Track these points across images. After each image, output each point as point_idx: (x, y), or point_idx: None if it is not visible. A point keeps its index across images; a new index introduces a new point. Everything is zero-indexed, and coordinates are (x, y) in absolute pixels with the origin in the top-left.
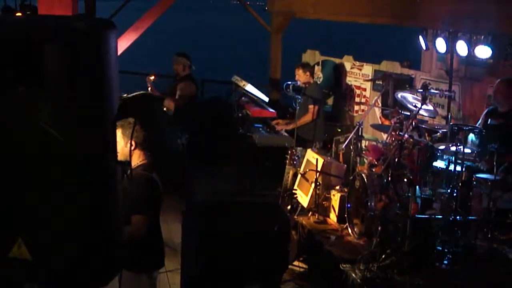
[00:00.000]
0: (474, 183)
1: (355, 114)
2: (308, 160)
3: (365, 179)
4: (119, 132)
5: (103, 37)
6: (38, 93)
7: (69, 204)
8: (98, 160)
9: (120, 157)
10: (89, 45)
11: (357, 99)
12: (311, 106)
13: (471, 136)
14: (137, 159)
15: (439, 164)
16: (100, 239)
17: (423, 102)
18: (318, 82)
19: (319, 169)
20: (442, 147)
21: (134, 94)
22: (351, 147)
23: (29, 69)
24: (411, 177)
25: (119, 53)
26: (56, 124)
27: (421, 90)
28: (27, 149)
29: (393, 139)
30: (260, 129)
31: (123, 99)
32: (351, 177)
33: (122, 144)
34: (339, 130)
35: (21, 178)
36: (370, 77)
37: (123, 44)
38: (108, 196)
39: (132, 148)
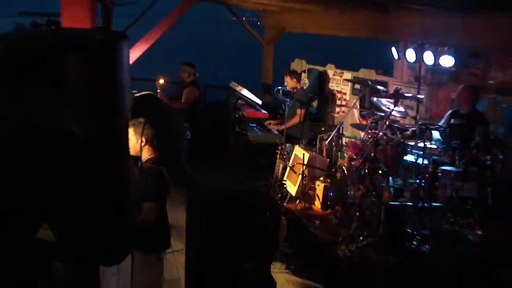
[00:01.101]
0: (439, 174)
1: (336, 115)
2: (296, 155)
3: (345, 171)
4: (131, 131)
5: (117, 47)
6: (61, 96)
7: (88, 191)
8: (113, 153)
9: (132, 152)
10: (105, 54)
11: (338, 102)
12: (298, 109)
13: (436, 134)
14: (146, 154)
15: (409, 158)
16: (116, 222)
17: (395, 105)
18: (305, 87)
19: (305, 162)
20: (411, 143)
21: (142, 93)
22: (333, 144)
23: (53, 75)
24: (385, 170)
25: (131, 61)
26: (76, 123)
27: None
28: (51, 144)
29: (369, 136)
30: (254, 128)
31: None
32: (333, 170)
33: (134, 141)
34: (323, 129)
35: (47, 169)
36: (349, 83)
37: (135, 53)
38: (122, 184)
39: (143, 144)
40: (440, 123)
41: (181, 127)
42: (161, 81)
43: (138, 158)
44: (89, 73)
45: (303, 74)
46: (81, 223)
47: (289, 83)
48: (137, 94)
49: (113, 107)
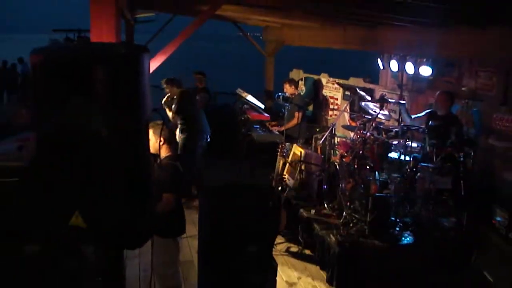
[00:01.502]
0: (419, 169)
1: (329, 118)
2: (294, 152)
3: (337, 167)
4: (151, 132)
5: (140, 59)
6: (89, 102)
7: (114, 185)
8: (135, 151)
9: (152, 150)
10: (128, 65)
11: (331, 106)
12: (296, 112)
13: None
14: (164, 152)
15: (393, 155)
16: (138, 210)
17: (381, 109)
18: (302, 94)
19: (302, 159)
20: (395, 142)
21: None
22: (327, 143)
23: (83, 84)
24: (372, 165)
25: (151, 71)
26: (104, 126)
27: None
28: (81, 144)
29: (358, 136)
30: (258, 129)
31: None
32: (327, 165)
33: (153, 141)
34: (318, 130)
35: (78, 165)
36: (340, 89)
37: (154, 64)
38: (144, 178)
39: (161, 143)
40: (419, 115)
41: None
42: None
43: (157, 155)
44: (114, 82)
45: (300, 82)
46: (108, 212)
47: (288, 89)
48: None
49: (134, 111)
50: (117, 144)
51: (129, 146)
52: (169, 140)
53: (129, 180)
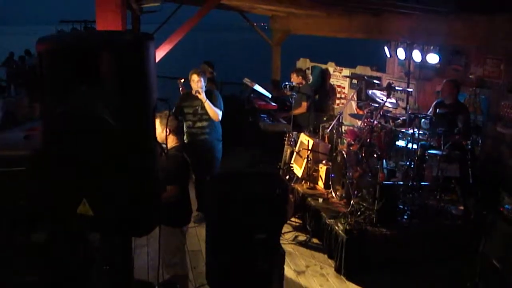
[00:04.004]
0: (427, 157)
1: (336, 106)
2: (301, 141)
3: (345, 155)
4: (157, 121)
5: (145, 46)
6: (95, 89)
7: (120, 172)
8: (142, 138)
9: (159, 140)
10: (134, 52)
11: (338, 95)
12: (304, 102)
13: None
14: (171, 142)
15: (400, 143)
16: (144, 199)
17: (388, 96)
18: (309, 83)
19: (310, 148)
20: (402, 130)
21: None
22: (334, 131)
23: (89, 71)
24: (379, 153)
25: (157, 60)
26: (110, 113)
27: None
28: (89, 132)
29: (366, 124)
30: (265, 118)
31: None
32: (334, 154)
33: (160, 130)
34: (325, 118)
35: (85, 154)
36: (347, 79)
37: (160, 53)
38: (149, 166)
39: (168, 133)
40: (429, 113)
41: None
42: (182, 80)
43: (164, 145)
44: (120, 69)
45: (307, 71)
46: (115, 200)
47: (295, 79)
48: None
49: (141, 99)
50: (124, 131)
51: (134, 134)
52: (176, 130)
53: (135, 167)
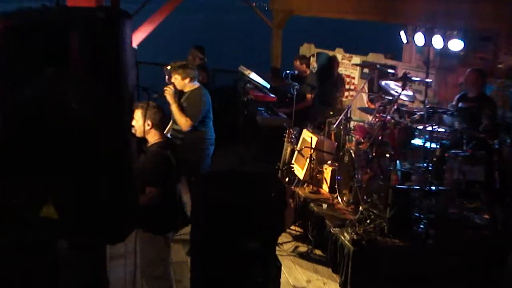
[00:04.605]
0: (447, 158)
1: (345, 99)
2: (304, 139)
3: (353, 155)
4: (138, 112)
5: (120, 25)
6: (63, 72)
7: (90, 168)
8: (116, 131)
9: (139, 134)
10: (107, 30)
11: (346, 86)
12: (308, 94)
13: (445, 117)
14: (153, 138)
15: (417, 141)
16: (117, 200)
17: (403, 88)
18: (314, 72)
19: (313, 146)
20: (420, 127)
21: None
22: (341, 127)
23: (56, 52)
24: (392, 153)
25: (138, 42)
26: (80, 100)
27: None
28: (55, 121)
29: (377, 120)
30: (263, 111)
31: None
32: (341, 153)
33: (140, 123)
34: (331, 113)
35: (50, 146)
36: (358, 68)
37: (141, 35)
38: (124, 163)
39: (149, 127)
40: (450, 107)
41: None
42: (169, 67)
43: (145, 140)
44: (92, 51)
45: (312, 59)
46: (84, 201)
47: (298, 67)
48: None
49: (115, 85)
50: (95, 121)
51: (108, 124)
52: (160, 124)
53: (107, 162)
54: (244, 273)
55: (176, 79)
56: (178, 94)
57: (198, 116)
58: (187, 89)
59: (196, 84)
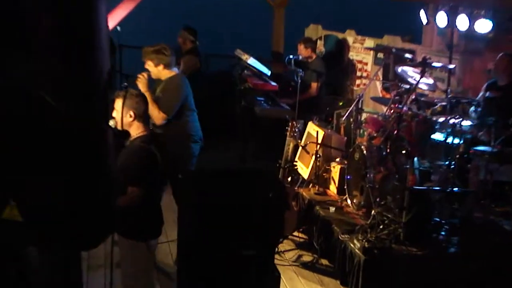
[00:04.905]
0: (472, 155)
1: (356, 88)
2: (309, 133)
3: (364, 151)
4: (119, 102)
5: (93, 4)
6: (29, 59)
7: (61, 166)
8: (89, 124)
9: (120, 127)
10: (79, 12)
11: (358, 73)
12: (314, 82)
13: (472, 109)
14: (136, 131)
15: (438, 136)
16: (92, 202)
17: (422, 75)
18: (321, 57)
19: (319, 141)
20: (441, 120)
21: None
22: (351, 120)
23: (20, 35)
24: (409, 149)
25: (117, 21)
26: (47, 88)
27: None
28: (18, 113)
29: (392, 111)
30: (262, 102)
31: None
32: (351, 149)
33: (120, 115)
34: (341, 103)
35: (13, 141)
36: (371, 51)
37: (120, 13)
38: (100, 159)
39: (131, 119)
40: (478, 97)
41: None
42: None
43: (126, 134)
44: (61, 33)
45: (318, 42)
46: (53, 202)
47: (302, 52)
48: None
49: (87, 71)
50: (65, 111)
51: (80, 117)
52: (143, 115)
53: (79, 159)
54: (236, 284)
55: (149, 65)
56: (158, 83)
57: (172, 107)
58: (163, 77)
59: (173, 71)
